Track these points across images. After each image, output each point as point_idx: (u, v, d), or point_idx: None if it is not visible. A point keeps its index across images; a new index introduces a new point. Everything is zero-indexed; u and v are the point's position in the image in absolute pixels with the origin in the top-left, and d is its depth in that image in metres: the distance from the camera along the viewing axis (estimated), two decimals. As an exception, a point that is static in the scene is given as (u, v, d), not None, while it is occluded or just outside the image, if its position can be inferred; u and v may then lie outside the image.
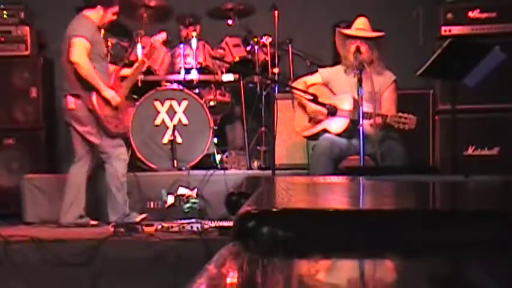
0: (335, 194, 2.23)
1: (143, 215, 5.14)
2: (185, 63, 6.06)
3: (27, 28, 6.03)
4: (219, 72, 6.17)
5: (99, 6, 5.06)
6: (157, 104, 5.83)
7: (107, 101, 5.04)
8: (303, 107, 5.17)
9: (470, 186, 2.69)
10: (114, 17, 5.19)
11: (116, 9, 5.14)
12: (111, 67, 5.36)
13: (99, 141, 5.11)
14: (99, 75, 5.02)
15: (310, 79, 5.26)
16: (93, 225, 5.12)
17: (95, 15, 5.07)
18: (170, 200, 5.24)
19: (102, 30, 5.44)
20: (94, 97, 5.00)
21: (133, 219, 5.03)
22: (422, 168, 5.01)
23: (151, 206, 5.37)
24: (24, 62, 6.06)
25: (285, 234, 1.34)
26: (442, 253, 1.33)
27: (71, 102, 5.03)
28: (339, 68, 5.20)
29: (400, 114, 4.84)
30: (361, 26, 5.13)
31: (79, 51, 4.91)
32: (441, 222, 1.41)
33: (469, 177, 2.82)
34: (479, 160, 5.47)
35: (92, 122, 5.06)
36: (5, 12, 6.04)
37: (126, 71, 5.39)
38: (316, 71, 5.37)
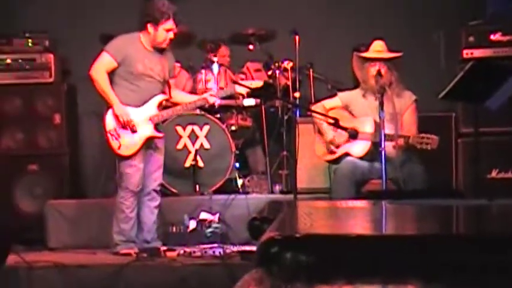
0: (357, 219, 2.22)
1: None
2: (206, 88, 6.09)
3: (51, 55, 6.10)
4: (241, 97, 6.19)
5: (148, 25, 4.91)
6: (179, 128, 5.86)
7: (118, 118, 4.88)
8: (321, 134, 5.17)
9: (494, 210, 2.67)
10: (171, 35, 4.92)
11: (168, 25, 4.88)
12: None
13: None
14: (127, 93, 4.90)
15: (329, 103, 5.25)
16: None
17: (145, 35, 4.94)
18: (192, 224, 5.23)
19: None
20: (109, 112, 4.90)
21: (117, 250, 4.88)
22: (447, 192, 4.96)
23: (174, 230, 5.36)
24: (48, 89, 6.12)
25: (308, 260, 1.34)
26: (465, 278, 1.32)
27: None
28: (358, 92, 5.20)
29: (422, 134, 4.82)
30: (378, 48, 5.13)
31: (96, 65, 4.86)
32: (465, 247, 1.40)
33: (492, 201, 2.80)
34: (503, 183, 5.41)
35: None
36: (29, 40, 6.13)
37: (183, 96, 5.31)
38: (336, 94, 5.37)
